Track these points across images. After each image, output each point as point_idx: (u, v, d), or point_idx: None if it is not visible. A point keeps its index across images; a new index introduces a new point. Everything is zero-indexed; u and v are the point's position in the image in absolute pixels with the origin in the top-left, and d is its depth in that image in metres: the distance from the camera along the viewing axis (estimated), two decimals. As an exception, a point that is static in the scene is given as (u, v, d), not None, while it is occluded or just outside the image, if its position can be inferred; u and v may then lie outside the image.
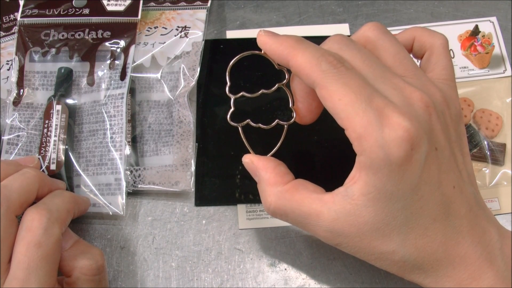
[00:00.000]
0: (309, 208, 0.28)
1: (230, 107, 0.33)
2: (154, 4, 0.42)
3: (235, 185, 0.38)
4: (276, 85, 0.33)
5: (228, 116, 0.33)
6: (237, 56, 0.32)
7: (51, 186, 0.33)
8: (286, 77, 0.32)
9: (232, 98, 0.33)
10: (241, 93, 0.33)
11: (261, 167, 0.31)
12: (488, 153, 0.39)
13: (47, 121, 0.37)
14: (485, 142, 0.39)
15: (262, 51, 0.32)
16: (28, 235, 0.28)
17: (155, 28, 0.41)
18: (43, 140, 0.36)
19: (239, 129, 0.33)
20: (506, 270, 0.28)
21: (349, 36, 0.31)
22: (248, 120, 0.33)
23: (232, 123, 0.33)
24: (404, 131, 0.25)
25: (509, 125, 0.40)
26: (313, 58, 0.27)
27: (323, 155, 0.39)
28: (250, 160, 0.31)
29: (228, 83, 0.32)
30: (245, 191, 0.38)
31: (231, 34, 0.43)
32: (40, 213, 0.29)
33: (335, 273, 0.35)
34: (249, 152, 0.33)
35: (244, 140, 0.33)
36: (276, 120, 0.33)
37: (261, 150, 0.32)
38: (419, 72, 0.30)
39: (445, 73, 0.31)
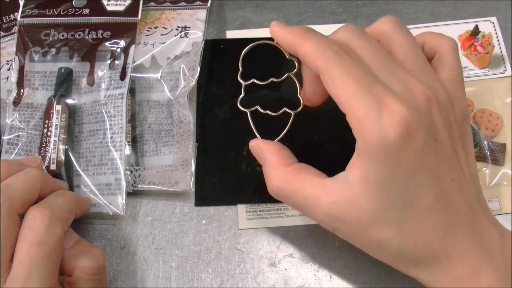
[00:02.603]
0: (310, 191, 0.29)
1: (241, 93, 0.34)
2: (154, 4, 0.42)
3: (235, 185, 0.38)
4: (286, 74, 0.34)
5: (238, 101, 0.34)
6: (251, 44, 0.34)
7: (53, 186, 0.33)
8: (296, 67, 0.34)
9: (243, 84, 0.34)
10: (252, 80, 0.34)
11: (266, 150, 0.32)
12: (488, 153, 0.39)
13: (47, 121, 0.37)
14: (485, 142, 0.39)
15: (274, 41, 0.33)
16: (30, 234, 0.28)
17: (155, 28, 0.41)
18: (43, 140, 0.36)
19: (248, 114, 0.34)
20: (506, 270, 0.28)
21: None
22: (257, 106, 0.34)
23: (242, 108, 0.34)
24: (401, 117, 0.26)
25: (509, 125, 0.40)
26: (318, 46, 0.29)
27: (326, 149, 0.39)
28: (256, 144, 0.33)
29: (241, 70, 0.34)
30: (245, 191, 0.38)
31: (231, 34, 0.43)
32: (43, 212, 0.29)
33: (335, 273, 0.35)
34: (256, 138, 0.34)
35: (252, 125, 0.34)
36: (284, 108, 0.34)
37: (268, 138, 0.33)
38: (428, 69, 0.30)
39: (452, 73, 0.31)
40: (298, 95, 0.34)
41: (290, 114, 0.34)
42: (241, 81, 0.34)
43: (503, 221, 0.37)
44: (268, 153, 0.32)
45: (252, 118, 0.34)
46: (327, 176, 0.30)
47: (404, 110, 0.26)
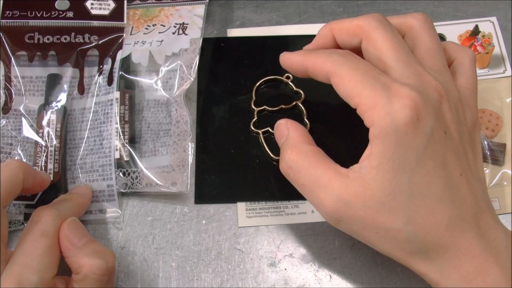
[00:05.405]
0: (324, 172, 0.29)
1: (254, 117, 0.38)
2: (154, 1, 0.42)
3: (234, 183, 0.38)
4: (294, 102, 0.39)
5: (251, 124, 0.38)
6: (262, 80, 0.40)
7: (35, 176, 0.33)
8: (302, 96, 0.39)
9: (256, 110, 0.38)
10: (263, 107, 0.39)
11: (292, 127, 0.33)
12: (488, 153, 0.39)
13: (40, 130, 0.36)
14: (485, 142, 0.39)
15: (284, 76, 0.39)
16: (35, 226, 0.30)
17: (153, 26, 0.41)
18: (37, 150, 0.36)
19: (260, 134, 0.38)
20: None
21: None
22: (268, 128, 0.38)
23: (255, 130, 0.38)
24: (411, 100, 0.27)
25: (509, 125, 0.40)
26: (325, 54, 0.31)
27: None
28: (285, 121, 0.33)
29: (254, 98, 0.39)
30: (245, 189, 0.38)
31: (232, 33, 0.43)
32: (50, 210, 0.31)
33: (335, 273, 0.35)
34: (269, 157, 0.37)
35: (264, 144, 0.38)
36: None
37: (278, 155, 0.34)
38: (446, 71, 0.31)
39: (468, 82, 0.32)
40: (305, 119, 0.38)
41: None
42: (254, 107, 0.38)
43: (503, 221, 0.37)
44: (293, 130, 0.32)
45: (264, 138, 0.38)
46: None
47: (414, 94, 0.27)
